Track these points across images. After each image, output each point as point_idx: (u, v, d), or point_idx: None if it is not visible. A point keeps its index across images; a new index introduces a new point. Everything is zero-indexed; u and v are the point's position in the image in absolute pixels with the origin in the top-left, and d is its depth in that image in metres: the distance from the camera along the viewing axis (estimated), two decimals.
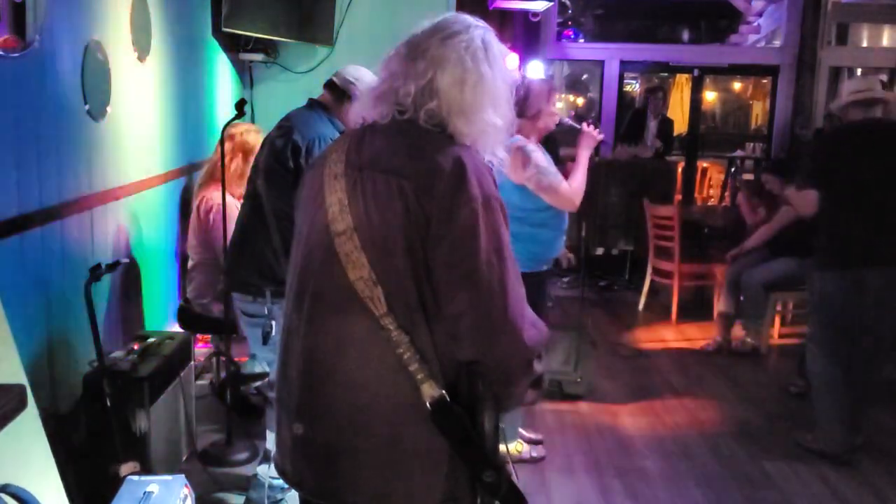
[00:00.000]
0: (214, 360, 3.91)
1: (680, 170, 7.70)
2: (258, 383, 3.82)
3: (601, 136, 3.35)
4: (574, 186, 3.17)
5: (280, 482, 2.82)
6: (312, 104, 2.89)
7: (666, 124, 7.65)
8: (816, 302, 3.68)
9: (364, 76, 2.79)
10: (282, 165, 2.73)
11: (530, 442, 3.57)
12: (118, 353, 2.88)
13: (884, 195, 3.50)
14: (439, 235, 1.41)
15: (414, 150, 1.47)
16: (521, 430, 3.57)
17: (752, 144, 8.98)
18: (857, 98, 3.60)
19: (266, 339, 2.69)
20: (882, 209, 3.50)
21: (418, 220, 1.41)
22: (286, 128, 2.80)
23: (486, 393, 1.44)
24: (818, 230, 3.66)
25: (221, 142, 3.33)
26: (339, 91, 2.84)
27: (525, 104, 3.14)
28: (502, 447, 1.51)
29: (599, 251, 6.99)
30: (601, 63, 7.63)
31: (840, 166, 3.55)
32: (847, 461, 3.58)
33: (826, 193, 3.54)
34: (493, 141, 1.55)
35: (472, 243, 1.41)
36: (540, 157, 3.15)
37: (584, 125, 3.32)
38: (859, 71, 7.65)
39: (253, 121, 5.34)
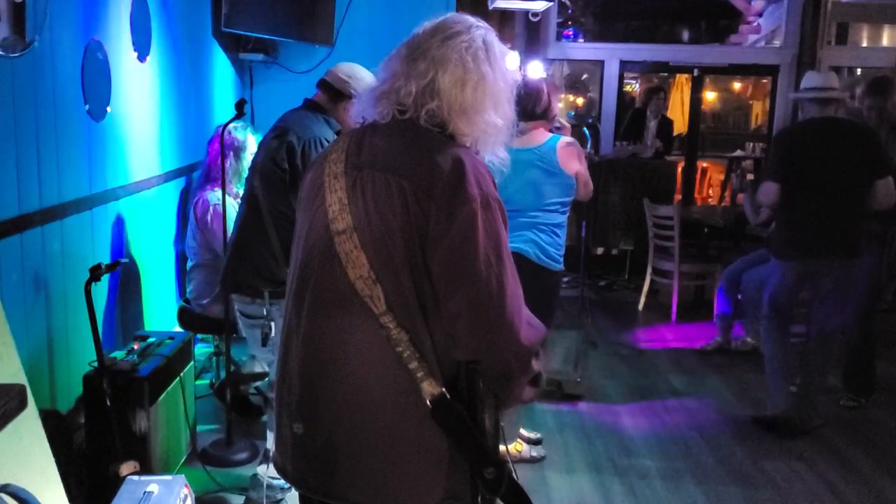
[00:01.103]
0: (214, 360, 3.92)
1: (680, 170, 7.68)
2: (258, 383, 3.82)
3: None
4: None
5: (280, 482, 2.82)
6: (308, 105, 2.87)
7: (666, 124, 7.64)
8: (770, 287, 3.92)
9: (358, 73, 2.77)
10: (277, 166, 2.71)
11: (530, 442, 3.57)
12: (118, 353, 2.88)
13: (836, 191, 3.69)
14: (438, 235, 1.41)
15: (414, 150, 1.47)
16: (520, 429, 3.57)
17: (751, 144, 8.98)
18: (816, 96, 3.78)
19: (265, 340, 2.69)
20: (834, 204, 3.69)
21: (417, 220, 1.42)
22: (281, 129, 2.78)
23: (485, 390, 1.44)
24: (776, 221, 3.96)
25: (221, 141, 3.33)
26: (333, 90, 2.81)
27: (543, 104, 3.23)
28: (502, 446, 1.51)
29: (599, 251, 6.99)
30: (601, 63, 7.61)
31: (796, 162, 3.74)
32: (806, 431, 3.83)
33: (783, 187, 3.73)
34: (494, 141, 1.56)
35: (470, 243, 1.41)
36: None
37: (565, 124, 3.47)
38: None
39: (253, 121, 5.34)
